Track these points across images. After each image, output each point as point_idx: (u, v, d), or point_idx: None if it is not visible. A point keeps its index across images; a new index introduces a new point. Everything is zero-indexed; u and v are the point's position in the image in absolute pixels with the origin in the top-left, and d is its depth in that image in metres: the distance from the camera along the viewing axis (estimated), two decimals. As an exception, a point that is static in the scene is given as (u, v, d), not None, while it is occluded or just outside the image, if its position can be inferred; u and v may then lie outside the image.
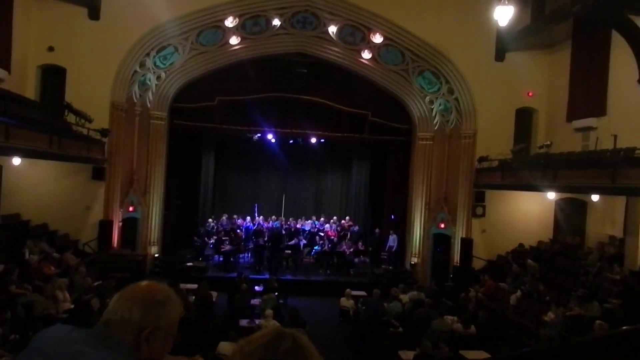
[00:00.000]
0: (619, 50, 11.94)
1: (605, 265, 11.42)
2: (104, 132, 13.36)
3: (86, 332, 1.43)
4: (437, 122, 16.19)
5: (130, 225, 14.76)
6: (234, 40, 15.19)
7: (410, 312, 10.12)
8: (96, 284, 10.68)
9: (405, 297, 11.20)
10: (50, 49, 13.63)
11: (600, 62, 12.91)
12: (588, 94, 13.47)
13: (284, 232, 16.80)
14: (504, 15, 10.97)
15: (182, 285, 10.97)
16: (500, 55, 15.20)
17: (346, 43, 15.58)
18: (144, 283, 1.54)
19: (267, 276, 13.10)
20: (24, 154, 10.46)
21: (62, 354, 1.37)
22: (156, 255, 15.14)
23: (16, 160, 11.66)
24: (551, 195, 13.69)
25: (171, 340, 1.52)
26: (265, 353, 1.11)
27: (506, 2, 10.87)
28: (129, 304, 1.45)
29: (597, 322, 7.64)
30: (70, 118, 12.48)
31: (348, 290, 12.02)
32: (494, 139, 14.93)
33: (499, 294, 11.59)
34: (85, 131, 12.73)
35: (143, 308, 1.45)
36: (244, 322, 9.43)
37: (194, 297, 10.50)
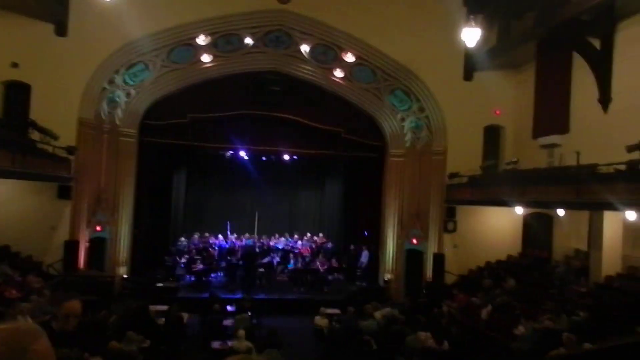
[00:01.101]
0: (580, 71, 12.42)
1: (572, 278, 11.69)
2: (70, 150, 13.02)
3: None
4: (408, 139, 16.46)
5: (98, 246, 14.34)
6: (206, 58, 15.13)
7: (385, 329, 10.10)
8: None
9: (378, 314, 11.17)
10: (14, 65, 13.23)
11: (563, 82, 13.37)
12: (552, 112, 13.90)
13: (257, 250, 16.63)
14: (471, 37, 11.24)
15: (152, 307, 10.66)
16: (468, 75, 15.62)
17: (319, 62, 15.73)
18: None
19: (240, 296, 12.89)
20: (-15, 172, 10.07)
21: None
22: (125, 275, 14.73)
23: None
24: (519, 210, 14.02)
25: None
26: None
27: (473, 24, 11.19)
28: None
29: (565, 334, 7.78)
30: (35, 136, 12.14)
31: (322, 308, 11.92)
32: (464, 156, 15.28)
33: (470, 308, 11.69)
34: (50, 149, 12.39)
35: None
36: (216, 344, 9.22)
37: (164, 320, 10.23)
